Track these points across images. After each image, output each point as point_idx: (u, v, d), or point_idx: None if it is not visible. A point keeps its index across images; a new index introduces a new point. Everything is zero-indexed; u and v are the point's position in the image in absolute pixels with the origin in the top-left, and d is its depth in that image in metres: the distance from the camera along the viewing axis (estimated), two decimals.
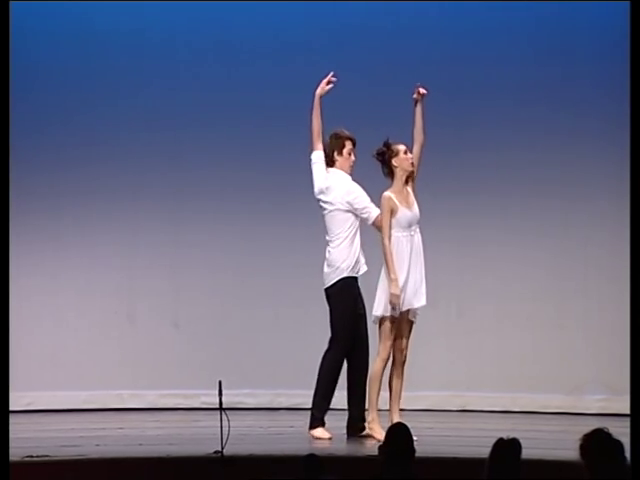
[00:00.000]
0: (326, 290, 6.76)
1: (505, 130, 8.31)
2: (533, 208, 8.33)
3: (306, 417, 6.78)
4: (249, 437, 6.56)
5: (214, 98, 8.45)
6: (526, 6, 8.26)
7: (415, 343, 8.30)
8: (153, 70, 8.51)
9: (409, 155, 6.71)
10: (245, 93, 8.41)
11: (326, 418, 6.72)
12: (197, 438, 6.56)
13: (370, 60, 8.37)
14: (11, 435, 6.97)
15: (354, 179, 6.92)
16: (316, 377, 6.72)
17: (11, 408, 8.27)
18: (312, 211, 7.84)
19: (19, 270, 8.52)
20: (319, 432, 6.61)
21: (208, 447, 5.83)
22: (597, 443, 3.63)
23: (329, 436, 6.59)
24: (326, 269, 6.75)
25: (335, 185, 6.76)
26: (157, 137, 8.50)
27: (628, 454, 3.70)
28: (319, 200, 6.81)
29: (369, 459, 5.51)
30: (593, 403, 8.08)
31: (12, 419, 7.97)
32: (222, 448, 5.67)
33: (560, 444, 5.60)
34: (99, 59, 8.52)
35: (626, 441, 3.75)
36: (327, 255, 6.74)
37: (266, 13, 8.45)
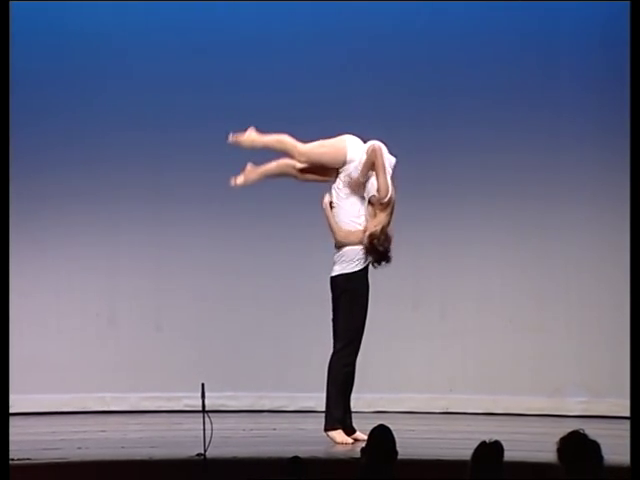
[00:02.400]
0: (341, 284, 6.60)
1: (488, 132, 8.35)
2: (515, 211, 8.37)
3: (289, 419, 6.80)
4: (232, 440, 6.58)
5: (202, 99, 8.47)
6: (519, 6, 8.27)
7: (398, 345, 8.38)
8: (139, 70, 8.52)
9: None
10: (235, 93, 8.42)
11: (307, 420, 6.73)
12: (180, 441, 6.56)
13: (353, 61, 8.42)
14: None
15: None
16: (326, 378, 6.65)
17: None
18: (297, 214, 7.90)
19: None
20: (342, 436, 6.53)
21: (191, 450, 5.85)
22: (573, 445, 3.69)
23: (351, 441, 6.47)
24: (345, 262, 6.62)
25: None
26: (139, 138, 8.50)
27: (607, 455, 3.75)
28: None
29: (351, 461, 5.54)
30: (574, 405, 8.14)
31: None
32: (205, 451, 5.69)
33: (542, 446, 5.63)
34: (84, 59, 8.53)
35: (605, 442, 3.80)
36: (345, 249, 6.62)
37: (260, 12, 8.47)
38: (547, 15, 8.30)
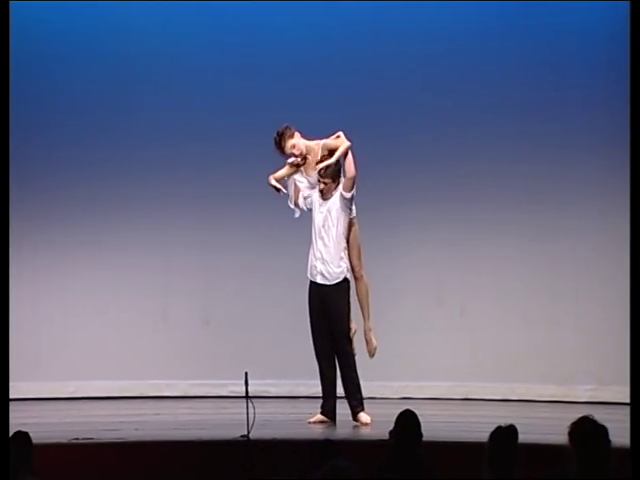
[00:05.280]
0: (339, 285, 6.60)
1: (503, 141, 8.29)
2: (529, 216, 8.32)
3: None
4: (272, 423, 6.56)
5: (241, 116, 8.48)
6: (520, 7, 8.18)
7: (422, 338, 8.34)
8: (184, 88, 8.55)
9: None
10: (272, 110, 8.41)
11: (339, 405, 6.72)
12: (225, 423, 6.56)
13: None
14: (58, 420, 7.06)
15: None
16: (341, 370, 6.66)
17: (57, 395, 8.39)
18: None
19: (66, 270, 8.60)
20: (365, 417, 6.56)
21: (235, 431, 5.85)
22: (583, 429, 3.66)
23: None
24: (342, 266, 6.60)
25: None
26: (189, 150, 8.52)
27: (612, 438, 3.71)
28: (351, 199, 6.62)
29: (380, 443, 5.52)
30: (583, 392, 8.06)
31: (58, 405, 8.07)
32: (248, 432, 5.69)
33: (553, 429, 5.59)
34: (136, 75, 8.57)
35: (611, 426, 3.77)
36: (343, 254, 6.60)
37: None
38: (565, 14, 8.15)
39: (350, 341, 6.66)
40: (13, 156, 8.45)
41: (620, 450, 3.86)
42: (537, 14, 8.22)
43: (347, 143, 6.59)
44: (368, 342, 6.72)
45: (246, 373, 5.80)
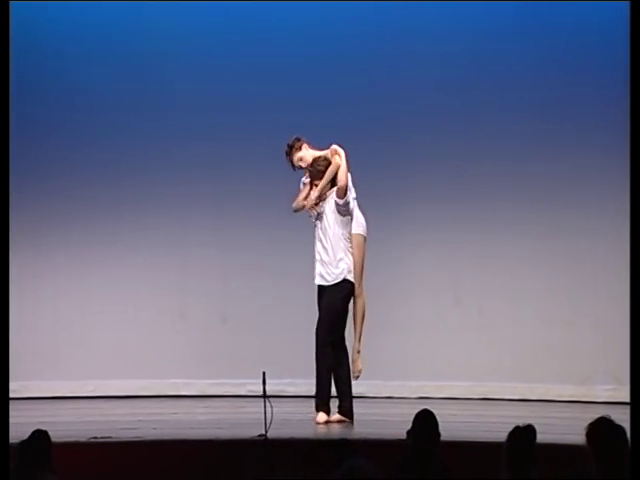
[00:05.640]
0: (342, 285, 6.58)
1: (520, 141, 8.28)
2: (547, 214, 8.31)
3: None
4: (290, 422, 6.55)
5: (256, 116, 8.50)
6: (521, 6, 8.18)
7: (440, 337, 8.34)
8: (206, 89, 8.58)
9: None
10: (285, 110, 8.43)
11: (357, 405, 6.71)
12: (243, 423, 6.56)
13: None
14: (77, 418, 7.09)
15: None
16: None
17: (77, 394, 8.44)
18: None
19: (84, 270, 8.64)
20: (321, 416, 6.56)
21: (253, 431, 5.85)
22: (601, 430, 3.65)
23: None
24: (341, 267, 6.60)
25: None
26: (205, 147, 8.54)
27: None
28: (345, 205, 6.61)
29: (398, 443, 5.53)
30: (602, 392, 8.04)
31: (78, 404, 8.11)
32: (266, 432, 5.71)
33: (572, 429, 5.58)
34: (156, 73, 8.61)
35: (629, 426, 3.76)
36: (342, 255, 6.57)
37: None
38: (565, 14, 8.15)
39: (333, 338, 6.58)
40: (31, 156, 8.59)
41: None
42: (541, 14, 8.23)
43: (336, 163, 6.57)
44: (354, 363, 6.66)
45: (264, 372, 5.81)
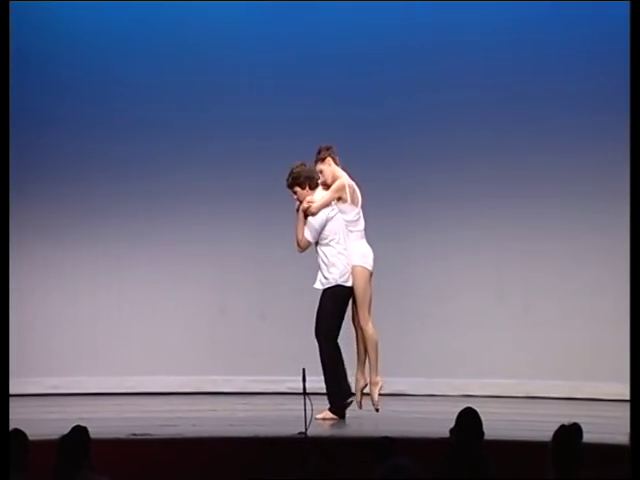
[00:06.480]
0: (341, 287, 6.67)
1: (569, 136, 8.22)
2: (594, 211, 8.21)
3: (382, 401, 6.75)
4: (330, 420, 6.55)
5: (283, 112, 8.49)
6: (523, 6, 8.11)
7: (484, 334, 8.27)
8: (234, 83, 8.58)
9: None
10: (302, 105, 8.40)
11: (398, 402, 6.67)
12: (282, 420, 6.56)
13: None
14: (116, 415, 7.12)
15: None
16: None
17: (116, 391, 8.47)
18: (381, 216, 7.81)
19: (122, 265, 8.68)
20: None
21: (293, 428, 5.83)
22: None
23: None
24: (333, 272, 6.68)
25: None
26: (244, 142, 8.55)
27: None
28: (321, 221, 6.77)
29: (441, 441, 5.48)
30: None
31: (117, 400, 8.14)
32: (306, 429, 5.68)
33: (618, 429, 5.50)
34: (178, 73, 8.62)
35: None
36: (334, 261, 6.69)
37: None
38: (564, 14, 8.08)
39: (327, 338, 6.66)
40: (72, 152, 8.64)
41: None
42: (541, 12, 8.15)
43: (332, 197, 6.69)
44: (372, 394, 6.66)
45: (304, 369, 5.79)
